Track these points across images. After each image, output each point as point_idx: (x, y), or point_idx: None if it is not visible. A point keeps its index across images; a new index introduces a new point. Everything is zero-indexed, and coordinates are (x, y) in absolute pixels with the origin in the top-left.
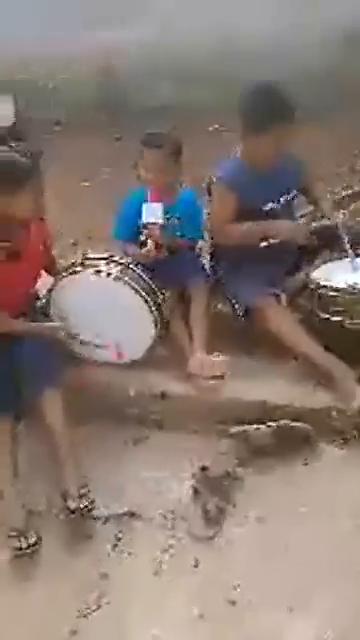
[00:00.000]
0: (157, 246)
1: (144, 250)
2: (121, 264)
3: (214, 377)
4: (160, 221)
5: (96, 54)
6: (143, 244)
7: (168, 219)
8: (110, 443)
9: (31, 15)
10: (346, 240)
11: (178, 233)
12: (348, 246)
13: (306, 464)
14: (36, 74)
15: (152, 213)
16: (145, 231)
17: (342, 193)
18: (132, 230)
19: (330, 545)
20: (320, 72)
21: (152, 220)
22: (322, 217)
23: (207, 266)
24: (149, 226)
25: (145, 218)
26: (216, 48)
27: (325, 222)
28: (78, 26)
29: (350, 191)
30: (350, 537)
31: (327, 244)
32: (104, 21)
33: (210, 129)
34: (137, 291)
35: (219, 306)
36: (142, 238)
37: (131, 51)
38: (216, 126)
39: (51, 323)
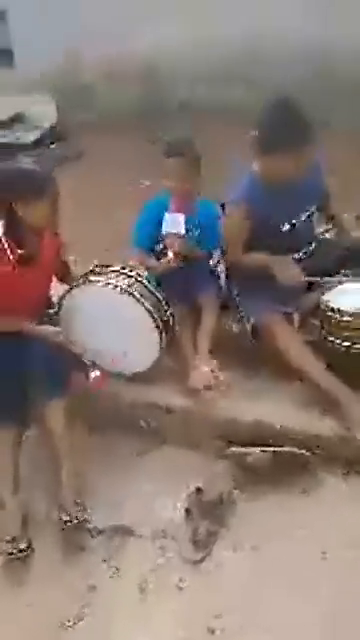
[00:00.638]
0: (176, 256)
1: (164, 260)
2: (131, 277)
3: (212, 390)
4: (182, 232)
5: (137, 56)
6: (163, 253)
7: (187, 230)
8: (112, 455)
9: (77, 17)
10: None
11: (196, 243)
12: None
13: (303, 492)
14: (79, 76)
15: (174, 224)
16: (167, 241)
17: None
18: (152, 237)
19: (320, 579)
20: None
21: (174, 231)
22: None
23: (222, 279)
24: (170, 237)
25: (167, 228)
26: (251, 50)
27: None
28: (120, 27)
29: None
30: (340, 570)
31: (345, 264)
32: (144, 23)
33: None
34: (144, 306)
35: (229, 322)
36: (162, 247)
37: (172, 53)
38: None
39: (56, 328)
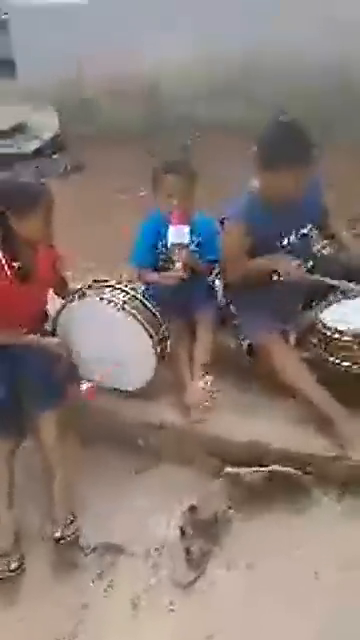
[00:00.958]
0: (185, 267)
1: (172, 271)
2: (127, 292)
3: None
4: (187, 242)
5: (139, 71)
6: (169, 263)
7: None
8: (107, 471)
9: (79, 29)
10: None
11: (197, 257)
12: None
13: (297, 512)
14: (81, 88)
15: (178, 235)
16: (175, 251)
17: None
18: (151, 255)
19: (313, 598)
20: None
21: (179, 241)
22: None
23: (220, 294)
24: (177, 248)
25: (172, 240)
26: (251, 66)
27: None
28: (122, 41)
29: None
30: (332, 590)
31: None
32: (146, 37)
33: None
34: (140, 322)
35: (225, 339)
36: (169, 259)
37: (173, 68)
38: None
39: (51, 338)
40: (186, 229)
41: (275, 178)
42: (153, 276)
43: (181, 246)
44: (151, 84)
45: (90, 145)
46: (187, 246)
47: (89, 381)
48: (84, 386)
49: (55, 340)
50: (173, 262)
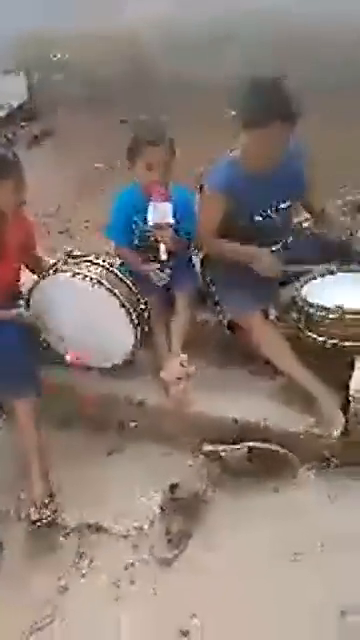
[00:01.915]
0: (169, 252)
1: (160, 257)
2: (103, 267)
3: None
4: (171, 221)
5: (113, 32)
6: (150, 241)
7: None
8: (87, 451)
9: None
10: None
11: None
12: None
13: (278, 490)
14: (51, 51)
15: (161, 214)
16: (155, 232)
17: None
18: (128, 230)
19: (293, 577)
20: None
21: (163, 221)
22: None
23: (197, 268)
24: (160, 228)
25: (154, 219)
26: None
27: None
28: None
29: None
30: (312, 568)
31: (326, 256)
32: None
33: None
34: (117, 297)
35: (205, 315)
36: (149, 238)
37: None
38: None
39: (19, 309)
40: (169, 206)
41: (255, 137)
42: (133, 259)
43: (164, 226)
44: (126, 43)
45: (62, 110)
46: (170, 225)
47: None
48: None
49: (22, 310)
50: (156, 242)
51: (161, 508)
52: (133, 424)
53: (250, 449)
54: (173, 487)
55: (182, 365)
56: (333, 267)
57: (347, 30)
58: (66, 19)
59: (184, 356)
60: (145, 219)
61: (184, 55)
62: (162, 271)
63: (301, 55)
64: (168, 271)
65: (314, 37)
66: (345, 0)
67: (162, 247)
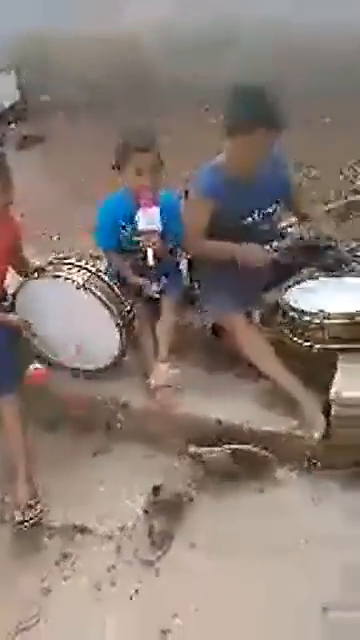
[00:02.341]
0: (156, 255)
1: (148, 262)
2: (88, 270)
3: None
4: (158, 227)
5: (117, 34)
6: (137, 246)
7: None
8: (72, 452)
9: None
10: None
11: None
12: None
13: (261, 491)
14: (43, 53)
15: (149, 220)
16: (143, 238)
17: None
18: (115, 235)
19: (276, 577)
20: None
21: (150, 227)
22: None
23: (184, 273)
24: (147, 234)
25: (143, 225)
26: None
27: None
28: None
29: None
30: (295, 568)
31: (309, 260)
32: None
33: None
34: (102, 300)
35: (190, 318)
36: (137, 243)
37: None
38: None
39: (6, 314)
40: (156, 212)
41: (240, 142)
42: (122, 266)
43: (152, 232)
44: (127, 45)
45: (52, 113)
46: (159, 231)
47: (38, 365)
48: (31, 367)
49: (15, 317)
50: (143, 250)
51: (145, 510)
52: (118, 425)
53: (233, 451)
54: (156, 488)
55: (169, 370)
56: (316, 272)
57: (346, 40)
58: (65, 20)
59: (172, 359)
60: (132, 224)
61: (183, 59)
62: (152, 283)
63: (300, 61)
64: (157, 284)
65: (313, 44)
66: (344, 9)
67: (150, 252)
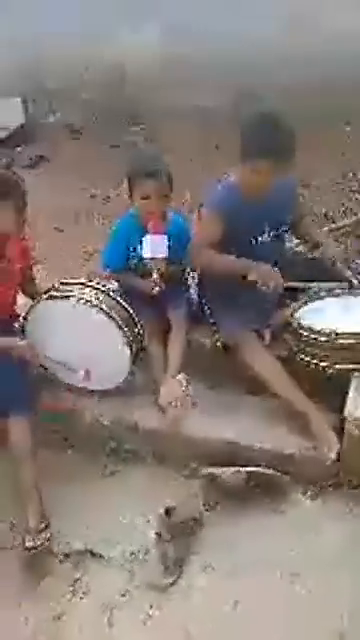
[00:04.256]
0: (162, 278)
1: (150, 281)
2: (100, 290)
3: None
4: (165, 254)
5: (105, 61)
6: (143, 270)
7: None
8: (81, 475)
9: (47, 21)
10: (348, 273)
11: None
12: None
13: (275, 513)
14: (46, 78)
15: (156, 246)
16: (150, 264)
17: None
18: (123, 259)
19: (292, 601)
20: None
21: (157, 255)
22: (314, 249)
23: (193, 291)
24: (154, 260)
25: (150, 252)
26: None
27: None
28: (91, 32)
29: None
30: (311, 591)
31: (319, 278)
32: (115, 28)
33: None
34: (114, 319)
35: (200, 336)
36: (144, 266)
37: (143, 57)
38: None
39: (14, 339)
40: (164, 239)
41: (254, 168)
42: (128, 280)
43: (159, 258)
44: (116, 72)
45: (55, 136)
46: (166, 258)
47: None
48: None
49: (22, 342)
50: (149, 272)
51: (157, 533)
52: (128, 446)
53: (246, 472)
54: (169, 511)
55: (181, 387)
56: (323, 292)
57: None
58: (62, 48)
59: (181, 377)
60: (141, 248)
61: (176, 84)
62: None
63: (295, 85)
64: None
65: (308, 69)
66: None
67: (155, 275)
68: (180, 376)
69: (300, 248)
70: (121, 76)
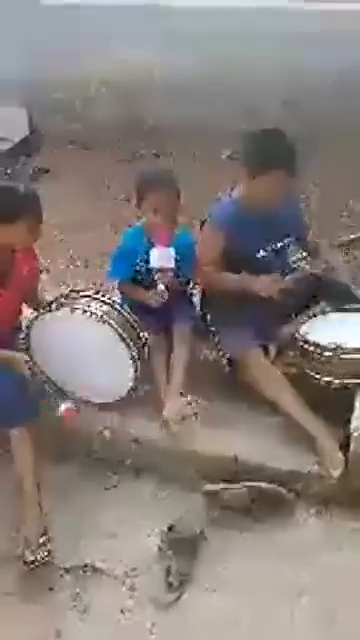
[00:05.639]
0: (167, 289)
1: (155, 292)
2: (104, 303)
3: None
4: (171, 266)
5: (113, 72)
6: (151, 286)
7: None
8: (83, 489)
9: (48, 33)
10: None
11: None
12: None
13: (279, 530)
14: (51, 88)
15: (163, 258)
16: (157, 276)
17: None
18: (131, 269)
19: (296, 618)
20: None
21: (164, 265)
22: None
23: (197, 306)
24: (161, 272)
25: (156, 263)
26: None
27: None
28: (95, 45)
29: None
30: (315, 609)
31: (323, 294)
32: (117, 41)
33: (223, 157)
34: (118, 332)
35: (206, 352)
36: (150, 279)
37: (148, 71)
38: (228, 153)
39: (15, 353)
40: (171, 251)
41: (257, 183)
42: (133, 291)
43: (165, 270)
44: (125, 83)
45: (61, 147)
46: (172, 269)
47: (69, 402)
48: (62, 407)
49: (18, 355)
50: (155, 284)
51: (159, 548)
52: (130, 461)
53: (250, 488)
54: (171, 527)
55: (185, 405)
56: (327, 307)
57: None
58: (65, 62)
59: (186, 398)
60: (147, 260)
61: (180, 97)
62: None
63: (295, 99)
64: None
65: (307, 82)
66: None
67: (160, 287)
68: (184, 400)
69: (304, 263)
70: (130, 89)
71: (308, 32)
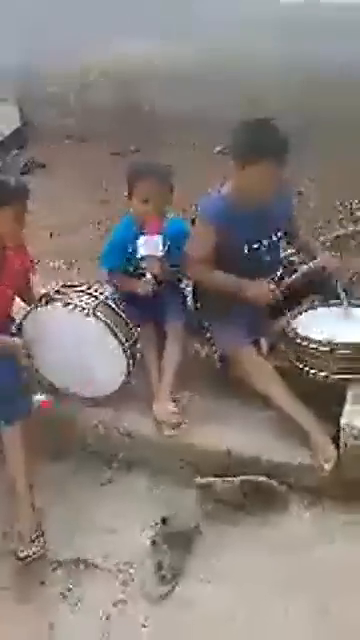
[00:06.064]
0: (155, 278)
1: (143, 280)
2: (95, 297)
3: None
4: (160, 254)
5: (105, 64)
6: (141, 276)
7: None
8: (76, 483)
9: (47, 25)
10: (338, 284)
11: (166, 262)
12: (341, 291)
13: (272, 523)
14: (44, 81)
15: (151, 246)
16: (144, 264)
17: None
18: (122, 259)
19: (288, 612)
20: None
21: (152, 253)
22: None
23: (189, 300)
24: (148, 259)
25: (144, 251)
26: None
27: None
28: (93, 36)
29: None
30: (306, 602)
31: (315, 288)
32: (119, 32)
33: (215, 152)
34: (110, 327)
35: (197, 347)
36: (140, 271)
37: (141, 63)
38: (219, 148)
39: (11, 338)
40: (159, 240)
41: (247, 173)
42: (123, 281)
43: (153, 258)
44: (118, 75)
45: (55, 141)
46: (160, 257)
47: (42, 395)
48: (36, 399)
49: (13, 340)
50: (143, 273)
51: (153, 542)
52: (122, 455)
53: (243, 482)
54: (165, 520)
55: (175, 405)
56: (317, 302)
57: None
58: (60, 53)
59: (175, 401)
60: (137, 251)
61: (176, 89)
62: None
63: (293, 92)
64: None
65: (306, 74)
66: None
67: (148, 275)
68: (172, 405)
69: (295, 258)
70: (123, 82)
71: (309, 23)
